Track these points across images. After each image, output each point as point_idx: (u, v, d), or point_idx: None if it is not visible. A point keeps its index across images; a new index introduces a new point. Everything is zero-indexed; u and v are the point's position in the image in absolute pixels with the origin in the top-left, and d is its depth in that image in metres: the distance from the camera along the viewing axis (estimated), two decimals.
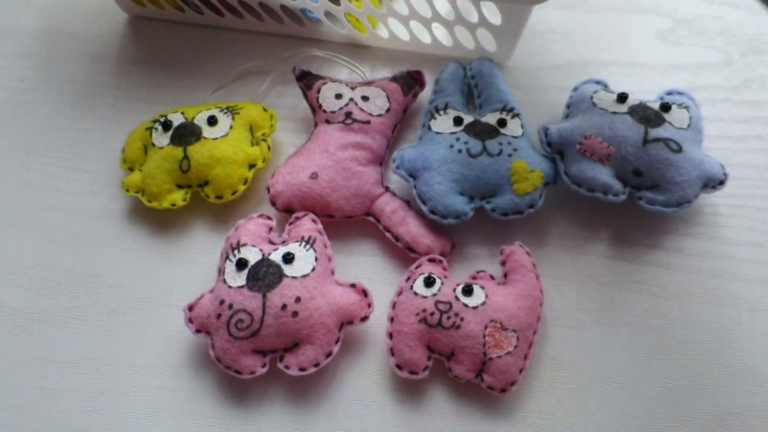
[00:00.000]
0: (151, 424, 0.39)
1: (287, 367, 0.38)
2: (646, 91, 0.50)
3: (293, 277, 0.39)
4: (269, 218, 0.43)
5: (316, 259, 0.40)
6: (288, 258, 0.40)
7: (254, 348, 0.38)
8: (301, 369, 0.38)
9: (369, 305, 0.40)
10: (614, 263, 0.44)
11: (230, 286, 0.39)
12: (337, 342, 0.39)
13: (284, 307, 0.38)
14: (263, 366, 0.39)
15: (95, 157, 0.49)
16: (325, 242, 0.42)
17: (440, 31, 0.50)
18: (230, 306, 0.38)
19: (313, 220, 0.43)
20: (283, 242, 0.42)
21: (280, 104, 0.50)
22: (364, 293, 0.40)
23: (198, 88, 0.52)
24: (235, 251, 0.40)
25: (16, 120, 0.51)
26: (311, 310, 0.38)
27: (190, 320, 0.40)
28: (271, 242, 0.42)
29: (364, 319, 0.40)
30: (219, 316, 0.39)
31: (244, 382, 0.39)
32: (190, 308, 0.40)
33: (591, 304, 0.42)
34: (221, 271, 0.40)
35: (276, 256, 0.40)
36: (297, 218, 0.43)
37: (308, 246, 0.41)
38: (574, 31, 0.54)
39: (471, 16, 0.47)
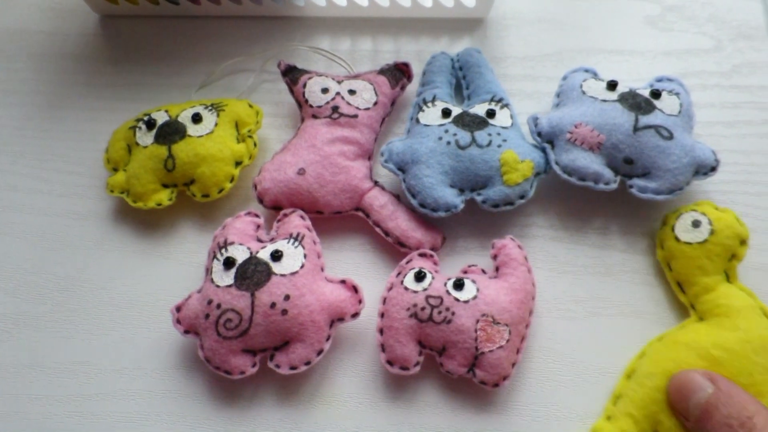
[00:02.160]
0: (142, 428, 0.39)
1: (278, 366, 0.38)
2: (636, 79, 0.49)
3: (282, 275, 0.38)
4: (257, 216, 0.43)
5: (305, 256, 0.40)
6: (276, 255, 0.39)
7: (244, 347, 0.38)
8: (292, 368, 0.38)
9: (359, 301, 0.39)
10: (607, 253, 0.43)
11: (218, 286, 0.38)
12: (327, 339, 0.38)
13: (273, 305, 0.37)
14: (253, 366, 0.38)
15: (78, 158, 0.48)
16: (314, 239, 0.41)
17: None
18: (218, 306, 0.38)
19: (302, 217, 0.42)
20: (272, 240, 0.41)
21: (266, 100, 0.50)
22: (355, 289, 0.40)
23: (182, 85, 0.51)
24: (223, 250, 0.40)
25: None
26: (301, 308, 0.38)
27: (179, 321, 0.39)
28: (259, 240, 0.41)
29: (355, 315, 0.39)
30: (207, 316, 0.38)
31: (234, 382, 0.39)
32: (178, 309, 0.40)
33: (584, 295, 0.42)
34: (209, 271, 0.40)
35: (264, 254, 0.39)
36: (285, 215, 0.42)
37: (297, 243, 0.40)
38: (563, 20, 0.53)
39: None
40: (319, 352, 0.38)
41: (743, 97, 0.49)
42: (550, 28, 0.53)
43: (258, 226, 0.42)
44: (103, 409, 0.39)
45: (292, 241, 0.40)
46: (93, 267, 0.44)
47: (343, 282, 0.40)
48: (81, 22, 0.54)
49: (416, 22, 0.53)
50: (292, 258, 0.39)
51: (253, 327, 0.37)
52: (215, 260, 0.40)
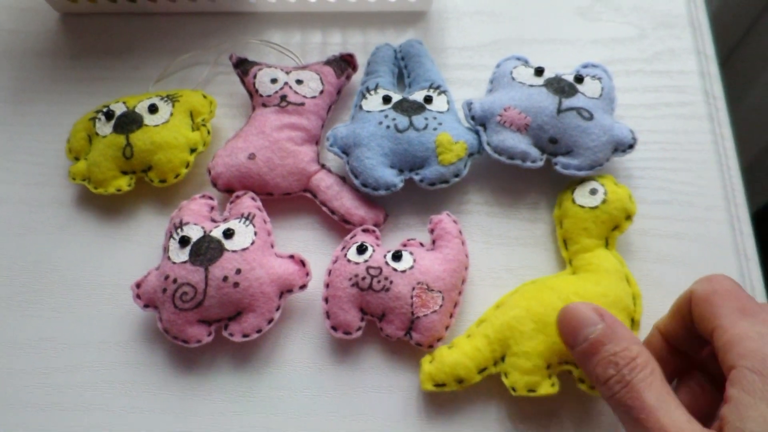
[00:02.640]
0: (108, 396, 0.42)
1: (231, 335, 0.41)
2: (566, 66, 0.52)
3: (233, 251, 0.42)
4: (211, 198, 0.46)
5: (255, 234, 0.43)
6: (228, 233, 0.42)
7: (199, 318, 0.41)
8: (245, 335, 0.41)
9: (307, 274, 0.43)
10: (536, 225, 0.47)
11: (174, 262, 0.42)
12: (277, 309, 0.42)
13: (225, 278, 0.41)
14: (209, 335, 0.41)
15: (41, 149, 0.51)
16: (265, 218, 0.45)
17: None
18: (175, 280, 0.41)
19: (253, 198, 0.45)
20: (225, 220, 0.44)
21: (220, 91, 0.53)
22: (302, 263, 0.43)
23: (140, 79, 0.53)
24: (178, 230, 0.43)
25: None
26: (251, 281, 0.41)
27: (138, 296, 0.42)
28: (213, 220, 0.44)
29: (303, 287, 0.42)
30: (164, 290, 0.41)
31: (192, 350, 0.42)
32: (138, 285, 0.43)
33: (515, 264, 0.46)
34: (166, 249, 0.43)
35: (217, 233, 0.42)
36: (237, 197, 0.46)
37: (248, 222, 0.43)
38: (500, 12, 0.57)
39: None
40: (270, 321, 0.41)
41: (663, 81, 0.53)
42: (488, 20, 0.56)
43: (212, 208, 0.45)
44: (71, 381, 0.42)
45: (243, 220, 0.44)
46: (58, 251, 0.47)
47: (291, 257, 0.43)
48: (42, 19, 0.57)
49: (363, 16, 0.56)
50: (243, 235, 0.43)
51: (207, 299, 0.41)
52: (171, 239, 0.43)
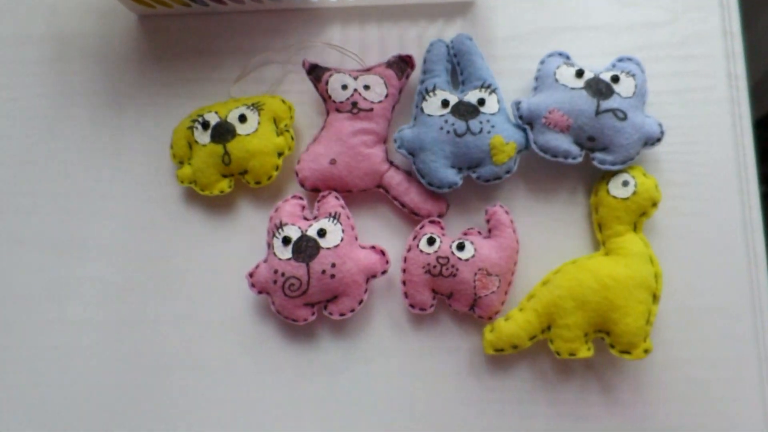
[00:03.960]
0: (232, 365, 0.54)
1: (331, 314, 0.52)
2: (603, 53, 0.58)
3: (327, 248, 0.51)
4: (301, 198, 0.54)
5: (342, 231, 0.52)
6: (321, 233, 0.51)
7: (304, 302, 0.51)
8: (341, 314, 0.51)
9: (387, 262, 0.52)
10: (574, 209, 0.56)
11: (280, 258, 0.51)
12: (365, 292, 0.52)
13: (323, 272, 0.50)
14: (312, 314, 0.52)
15: (143, 150, 0.58)
16: (348, 214, 0.53)
17: None
18: (283, 274, 0.51)
19: (336, 197, 0.54)
20: (315, 218, 0.53)
21: (292, 90, 0.59)
22: (382, 253, 0.53)
23: (218, 80, 0.60)
24: (279, 230, 0.52)
25: (62, 123, 0.60)
26: (344, 272, 0.51)
27: (253, 285, 0.52)
28: (305, 218, 0.53)
29: (384, 272, 0.52)
30: (275, 281, 0.51)
31: (299, 327, 0.53)
32: (251, 275, 0.53)
33: (556, 245, 0.55)
34: (270, 246, 0.52)
35: (312, 232, 0.52)
36: (323, 196, 0.54)
37: (335, 220, 0.52)
38: (540, 0, 0.61)
39: None
40: (360, 302, 0.52)
41: (690, 66, 0.58)
42: (530, 8, 0.61)
43: (303, 207, 0.54)
44: (200, 353, 0.54)
45: (331, 219, 0.52)
46: (173, 243, 0.56)
47: (373, 247, 0.53)
48: (121, 22, 0.62)
49: (415, 7, 0.60)
50: (333, 234, 0.52)
51: (311, 288, 0.51)
52: (275, 238, 0.52)
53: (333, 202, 0.54)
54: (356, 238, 0.53)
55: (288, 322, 0.52)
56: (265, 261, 0.53)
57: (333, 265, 0.51)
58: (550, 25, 0.60)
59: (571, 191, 0.56)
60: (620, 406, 0.52)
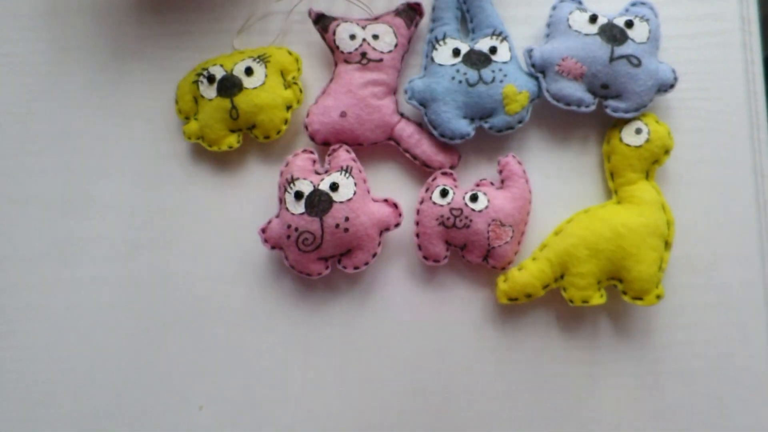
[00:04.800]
0: (245, 319, 0.54)
1: (345, 267, 0.52)
2: None
3: (340, 202, 0.51)
4: (312, 152, 0.54)
5: (355, 184, 0.52)
6: (334, 187, 0.51)
7: (318, 257, 0.51)
8: (356, 268, 0.52)
9: (400, 215, 0.52)
10: (586, 158, 0.55)
11: (293, 213, 0.51)
12: (379, 245, 0.52)
13: (337, 226, 0.50)
14: (327, 268, 0.52)
15: (148, 107, 0.57)
16: (360, 168, 0.53)
17: None
18: (296, 229, 0.51)
19: (347, 151, 0.53)
20: (326, 172, 0.53)
21: (298, 41, 0.58)
22: (395, 206, 0.52)
23: (220, 31, 0.58)
24: (291, 185, 0.52)
25: (61, 79, 0.58)
26: (357, 226, 0.51)
27: (266, 240, 0.52)
28: (317, 173, 0.53)
29: (397, 225, 0.52)
30: (288, 236, 0.51)
31: (314, 281, 0.53)
32: (264, 230, 0.52)
33: (569, 194, 0.55)
34: (282, 201, 0.52)
35: (324, 186, 0.51)
36: (334, 150, 0.53)
37: (347, 174, 0.52)
38: None
39: None
40: (374, 255, 0.52)
41: (705, 8, 0.57)
42: None
43: (314, 161, 0.53)
44: (216, 308, 0.54)
45: (343, 173, 0.52)
46: (183, 199, 0.56)
47: (385, 201, 0.53)
48: None
49: None
50: (346, 187, 0.51)
51: (324, 243, 0.51)
52: (287, 193, 0.52)
53: (344, 155, 0.53)
54: (369, 192, 0.53)
55: (302, 277, 0.52)
56: (277, 216, 0.52)
57: (346, 219, 0.50)
58: None
59: (582, 140, 0.56)
60: (632, 351, 0.53)
